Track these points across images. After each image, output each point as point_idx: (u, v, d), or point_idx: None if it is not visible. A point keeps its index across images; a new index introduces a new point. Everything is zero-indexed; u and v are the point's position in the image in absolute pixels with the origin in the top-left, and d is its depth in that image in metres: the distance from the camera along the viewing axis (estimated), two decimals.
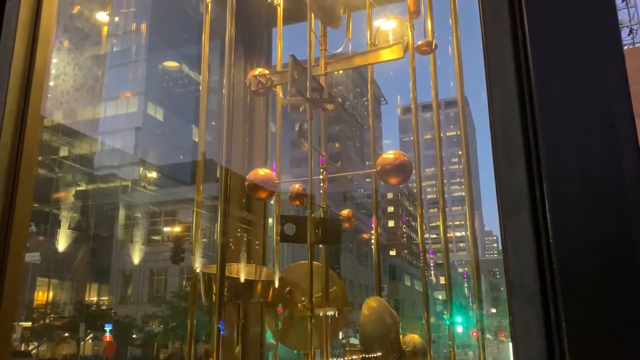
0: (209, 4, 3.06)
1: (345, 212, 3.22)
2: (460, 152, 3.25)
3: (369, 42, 3.23)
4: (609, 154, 1.01)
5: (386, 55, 2.93)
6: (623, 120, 1.01)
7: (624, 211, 0.98)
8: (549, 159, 1.03)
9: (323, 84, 2.92)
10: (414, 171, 2.96)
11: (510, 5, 1.13)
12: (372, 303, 2.67)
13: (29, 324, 30.57)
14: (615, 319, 0.95)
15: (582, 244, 0.98)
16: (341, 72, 3.16)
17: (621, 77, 1.04)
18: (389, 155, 2.85)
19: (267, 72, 3.23)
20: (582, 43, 1.08)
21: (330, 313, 2.78)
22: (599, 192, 1.00)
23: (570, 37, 1.09)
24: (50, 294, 36.08)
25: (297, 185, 3.15)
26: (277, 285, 2.95)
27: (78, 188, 40.64)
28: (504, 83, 1.11)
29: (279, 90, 3.27)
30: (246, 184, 3.06)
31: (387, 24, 3.23)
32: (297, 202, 3.15)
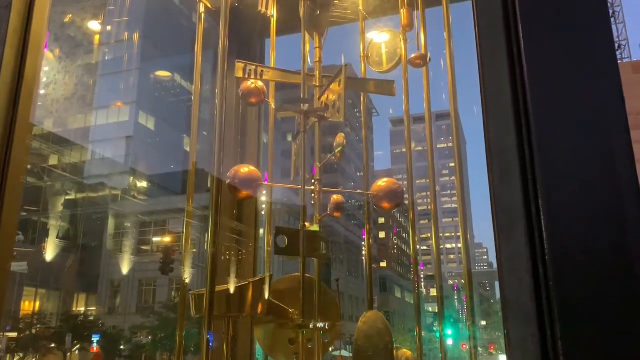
0: (202, 15, 3.05)
1: (307, 224, 3.16)
2: (451, 165, 3.28)
3: (362, 55, 3.24)
4: (605, 170, 1.00)
5: (379, 89, 3.04)
6: (619, 137, 1.01)
7: (620, 228, 0.97)
8: (545, 176, 1.02)
9: (320, 96, 2.91)
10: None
11: (506, 24, 1.13)
12: (368, 317, 2.65)
13: (14, 334, 30.11)
14: (612, 338, 0.93)
15: (579, 262, 0.97)
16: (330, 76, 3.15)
17: (617, 92, 1.03)
18: (383, 182, 2.99)
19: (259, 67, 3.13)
20: (577, 59, 1.08)
21: (320, 325, 2.75)
22: (596, 210, 0.99)
23: (566, 53, 1.09)
24: (37, 303, 35.62)
25: (335, 197, 3.10)
26: (267, 297, 2.92)
27: (67, 197, 40.31)
28: (500, 101, 1.10)
29: (271, 101, 3.26)
30: (227, 182, 2.88)
31: (380, 37, 3.25)
32: (337, 214, 3.09)
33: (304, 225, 2.70)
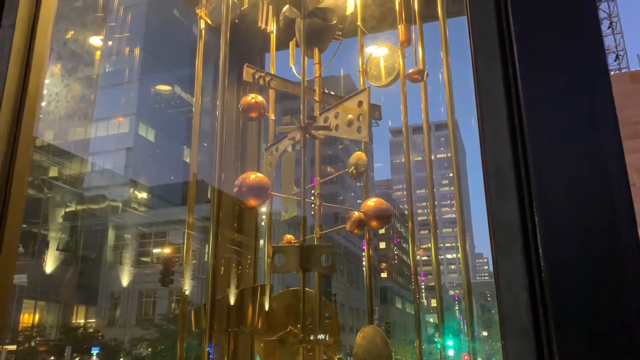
0: (203, 31, 3.09)
1: (289, 236, 3.17)
2: (450, 175, 3.30)
3: (360, 70, 3.27)
4: (600, 186, 1.02)
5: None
6: (613, 155, 1.03)
7: (616, 245, 0.98)
8: (541, 193, 1.03)
9: (322, 112, 2.94)
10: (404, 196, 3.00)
11: (501, 45, 1.15)
12: (366, 332, 2.66)
13: (14, 347, 29.95)
14: (609, 354, 0.94)
15: (575, 279, 0.98)
16: (332, 93, 3.18)
17: (611, 110, 1.05)
18: (372, 202, 3.02)
19: (263, 74, 3.15)
20: (571, 74, 1.10)
21: (321, 336, 2.75)
22: (591, 227, 1.00)
23: (560, 69, 1.11)
24: (37, 316, 35.46)
25: (355, 214, 3.09)
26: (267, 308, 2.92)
27: (67, 209, 40.26)
28: (496, 120, 1.12)
29: (271, 115, 3.29)
30: (235, 190, 2.74)
31: (378, 51, 3.28)
32: (357, 231, 3.08)
33: (304, 240, 2.71)
